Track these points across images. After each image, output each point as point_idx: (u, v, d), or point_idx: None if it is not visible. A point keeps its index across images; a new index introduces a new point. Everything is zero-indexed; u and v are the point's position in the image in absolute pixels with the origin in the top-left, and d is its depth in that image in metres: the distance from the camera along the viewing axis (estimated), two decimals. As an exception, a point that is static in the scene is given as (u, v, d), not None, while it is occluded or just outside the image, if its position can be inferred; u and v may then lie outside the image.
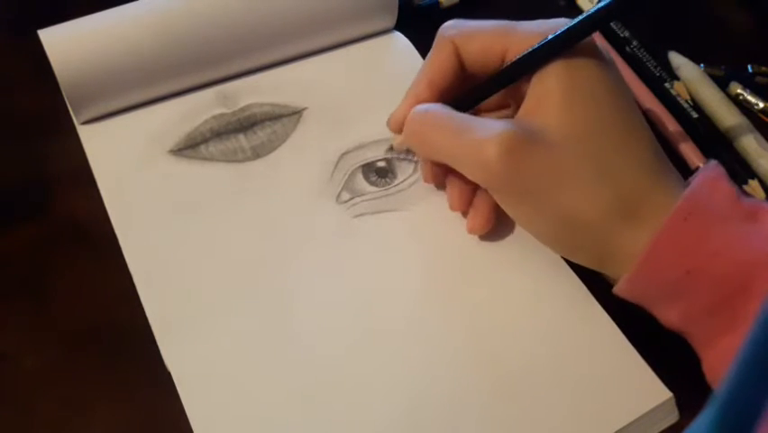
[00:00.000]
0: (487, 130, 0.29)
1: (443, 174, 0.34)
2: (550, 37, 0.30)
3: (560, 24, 0.30)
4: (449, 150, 0.31)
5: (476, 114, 0.34)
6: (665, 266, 0.28)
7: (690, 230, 0.28)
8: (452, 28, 0.33)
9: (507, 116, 0.34)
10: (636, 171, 0.29)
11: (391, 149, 0.36)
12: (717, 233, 0.28)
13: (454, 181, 0.34)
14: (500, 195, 0.31)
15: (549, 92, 0.30)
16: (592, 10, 0.29)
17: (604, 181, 0.29)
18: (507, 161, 0.29)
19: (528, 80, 0.31)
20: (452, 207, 0.34)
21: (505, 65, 0.31)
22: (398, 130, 0.34)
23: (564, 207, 0.29)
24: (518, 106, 0.31)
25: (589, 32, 0.30)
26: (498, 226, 0.34)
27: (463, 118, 0.31)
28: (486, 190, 0.33)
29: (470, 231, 0.34)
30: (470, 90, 0.33)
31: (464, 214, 0.34)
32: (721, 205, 0.28)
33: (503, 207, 0.32)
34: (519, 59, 0.31)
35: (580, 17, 0.30)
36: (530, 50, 0.30)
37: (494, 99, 0.34)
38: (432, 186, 0.36)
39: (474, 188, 0.34)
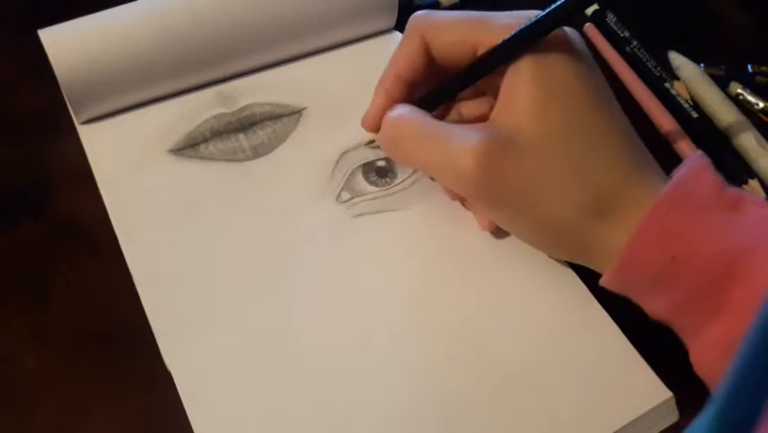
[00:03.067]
0: (461, 141, 0.29)
1: None
2: (517, 31, 0.29)
3: (532, 16, 0.29)
4: (424, 160, 0.31)
5: (453, 102, 0.34)
6: (651, 253, 0.28)
7: (674, 218, 0.28)
8: (421, 20, 0.32)
9: (483, 105, 0.34)
10: (613, 168, 0.29)
11: (372, 142, 0.36)
12: (701, 221, 0.28)
13: None
14: (479, 202, 0.31)
15: (520, 92, 0.29)
16: (560, 1, 0.29)
17: (578, 182, 0.29)
18: (482, 171, 0.29)
19: (502, 73, 0.30)
20: (450, 196, 0.35)
21: (475, 60, 0.31)
22: (373, 129, 0.34)
23: (541, 210, 0.29)
24: (495, 96, 0.31)
25: (558, 24, 0.29)
26: (497, 227, 0.34)
27: (437, 127, 0.31)
28: None
29: (482, 227, 0.34)
30: (439, 87, 0.33)
31: (463, 203, 0.35)
32: (706, 194, 0.28)
33: (484, 212, 0.32)
34: (486, 54, 0.30)
35: (549, 9, 0.29)
36: (497, 44, 0.30)
37: (470, 89, 0.33)
38: (431, 186, 0.36)
39: None
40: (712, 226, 0.28)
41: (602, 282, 0.30)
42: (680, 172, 0.29)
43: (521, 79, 0.29)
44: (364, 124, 0.35)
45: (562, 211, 0.29)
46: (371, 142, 0.36)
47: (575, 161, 0.29)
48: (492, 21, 0.31)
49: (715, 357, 0.28)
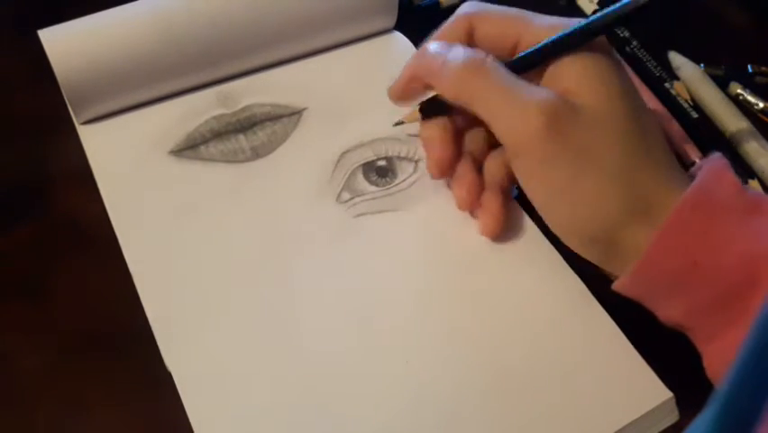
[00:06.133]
0: (534, 93, 0.30)
1: (449, 166, 0.34)
2: (576, 26, 0.30)
3: (572, 23, 0.31)
4: (492, 104, 0.30)
5: None
6: (672, 257, 0.28)
7: (696, 221, 0.28)
8: (472, 5, 0.33)
9: None
10: (654, 170, 0.30)
11: (401, 123, 0.35)
12: (723, 225, 0.28)
13: (464, 175, 0.34)
14: (529, 162, 0.30)
15: (590, 75, 0.30)
16: (625, 1, 0.30)
17: (624, 176, 0.29)
18: (548, 126, 0.29)
19: (548, 66, 0.31)
20: (460, 206, 0.34)
21: (533, 49, 0.31)
22: (401, 98, 0.34)
23: (587, 184, 0.29)
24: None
25: (615, 25, 0.31)
26: (498, 233, 0.34)
27: (513, 76, 0.31)
28: (493, 189, 0.33)
29: (483, 232, 0.34)
30: (516, 58, 0.33)
31: (471, 213, 0.34)
32: (727, 196, 0.28)
33: (524, 179, 0.31)
34: (543, 45, 0.31)
35: (608, 9, 0.30)
36: (557, 36, 0.30)
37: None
38: (431, 186, 0.36)
39: (482, 184, 0.34)
40: (733, 230, 0.28)
41: (616, 286, 0.30)
42: (700, 175, 0.29)
43: (590, 65, 0.30)
44: (391, 93, 0.35)
45: (604, 197, 0.29)
46: (400, 123, 0.35)
47: (626, 154, 0.29)
48: (537, 20, 0.32)
49: (730, 363, 0.28)
